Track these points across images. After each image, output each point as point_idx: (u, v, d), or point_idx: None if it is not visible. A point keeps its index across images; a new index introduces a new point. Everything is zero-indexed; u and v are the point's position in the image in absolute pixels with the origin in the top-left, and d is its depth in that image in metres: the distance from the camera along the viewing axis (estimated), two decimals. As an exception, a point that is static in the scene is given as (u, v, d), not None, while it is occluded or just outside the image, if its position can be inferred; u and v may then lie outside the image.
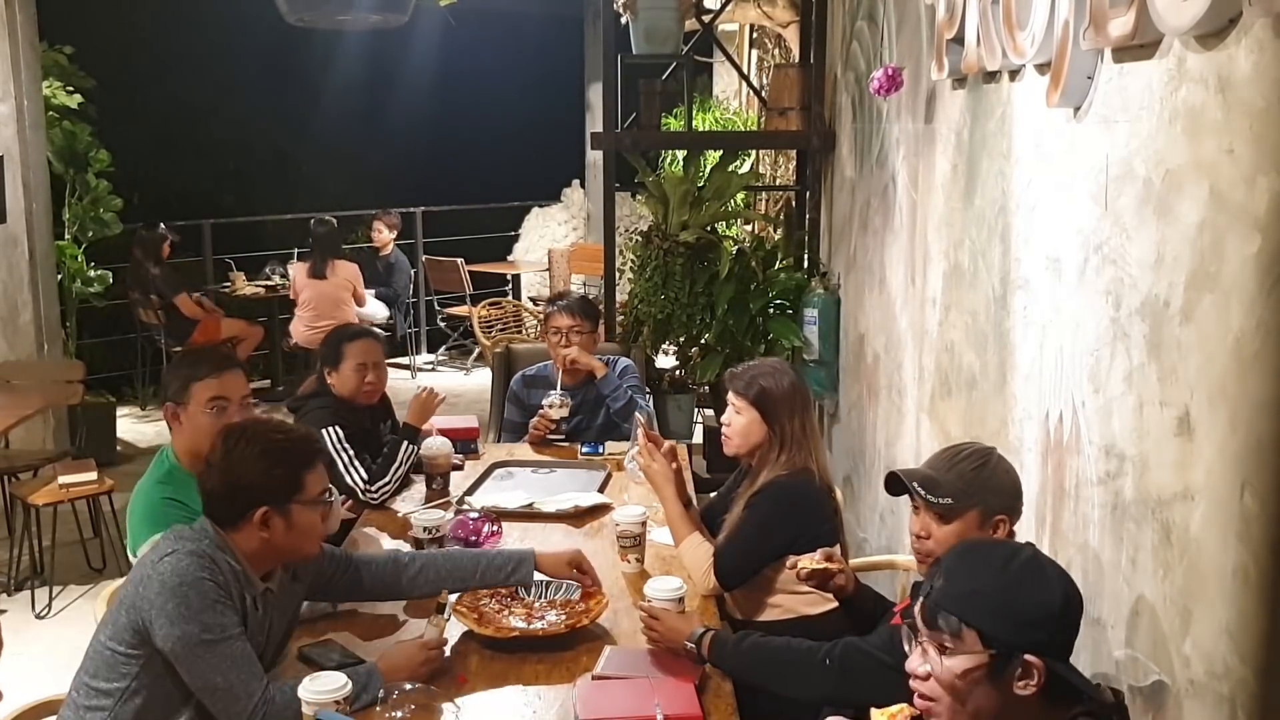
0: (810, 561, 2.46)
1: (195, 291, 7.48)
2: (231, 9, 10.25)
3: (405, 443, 3.45)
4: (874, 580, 3.18)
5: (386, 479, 3.36)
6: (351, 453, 3.34)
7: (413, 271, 8.78)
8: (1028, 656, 1.61)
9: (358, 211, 8.86)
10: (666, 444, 3.02)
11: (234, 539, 2.16)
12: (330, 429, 3.34)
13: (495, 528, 3.00)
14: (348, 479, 3.28)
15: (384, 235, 8.28)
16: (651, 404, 4.04)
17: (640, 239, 5.52)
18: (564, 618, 2.45)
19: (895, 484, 2.19)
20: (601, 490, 3.42)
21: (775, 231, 6.28)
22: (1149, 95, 1.88)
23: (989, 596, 1.65)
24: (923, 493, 2.07)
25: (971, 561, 1.72)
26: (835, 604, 2.67)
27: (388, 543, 3.06)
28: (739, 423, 2.83)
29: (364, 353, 3.49)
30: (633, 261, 5.57)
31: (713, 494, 3.23)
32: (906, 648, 1.73)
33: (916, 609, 1.72)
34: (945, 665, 1.65)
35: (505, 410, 4.21)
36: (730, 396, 2.86)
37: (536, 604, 2.54)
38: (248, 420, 2.44)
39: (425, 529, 2.88)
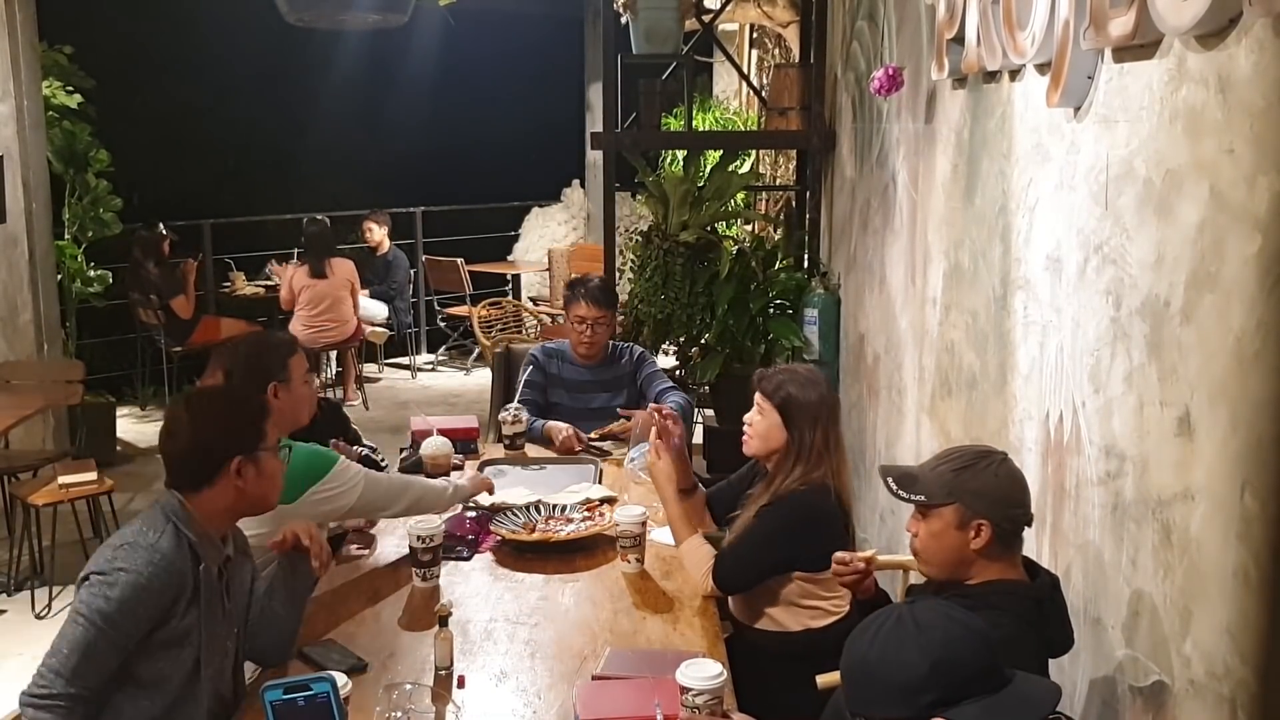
0: (855, 559, 2.34)
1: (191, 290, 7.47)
2: (231, 9, 10.23)
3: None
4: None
5: None
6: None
7: (411, 270, 8.77)
8: None
9: (357, 211, 8.85)
10: (679, 430, 2.98)
11: (203, 500, 2.20)
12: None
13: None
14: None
15: (375, 234, 8.31)
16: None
17: (640, 239, 5.51)
18: (579, 522, 2.98)
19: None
20: (599, 484, 3.41)
21: (775, 231, 6.27)
22: (1149, 95, 1.88)
23: (863, 685, 1.63)
24: (895, 487, 2.07)
25: (848, 646, 1.68)
26: (839, 616, 2.67)
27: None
28: (760, 424, 2.78)
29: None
30: (633, 261, 5.56)
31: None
32: None
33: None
34: None
35: (526, 375, 4.03)
36: (756, 396, 2.81)
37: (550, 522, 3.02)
38: (199, 387, 2.53)
39: (420, 538, 2.72)
